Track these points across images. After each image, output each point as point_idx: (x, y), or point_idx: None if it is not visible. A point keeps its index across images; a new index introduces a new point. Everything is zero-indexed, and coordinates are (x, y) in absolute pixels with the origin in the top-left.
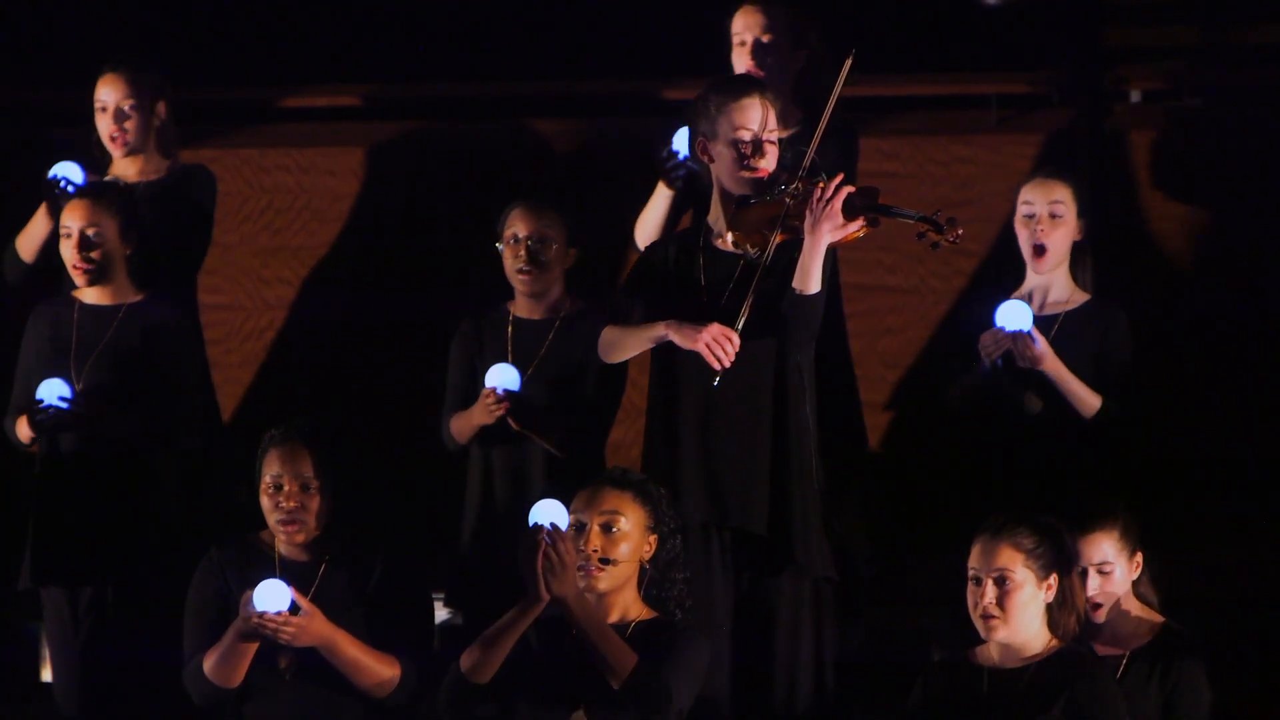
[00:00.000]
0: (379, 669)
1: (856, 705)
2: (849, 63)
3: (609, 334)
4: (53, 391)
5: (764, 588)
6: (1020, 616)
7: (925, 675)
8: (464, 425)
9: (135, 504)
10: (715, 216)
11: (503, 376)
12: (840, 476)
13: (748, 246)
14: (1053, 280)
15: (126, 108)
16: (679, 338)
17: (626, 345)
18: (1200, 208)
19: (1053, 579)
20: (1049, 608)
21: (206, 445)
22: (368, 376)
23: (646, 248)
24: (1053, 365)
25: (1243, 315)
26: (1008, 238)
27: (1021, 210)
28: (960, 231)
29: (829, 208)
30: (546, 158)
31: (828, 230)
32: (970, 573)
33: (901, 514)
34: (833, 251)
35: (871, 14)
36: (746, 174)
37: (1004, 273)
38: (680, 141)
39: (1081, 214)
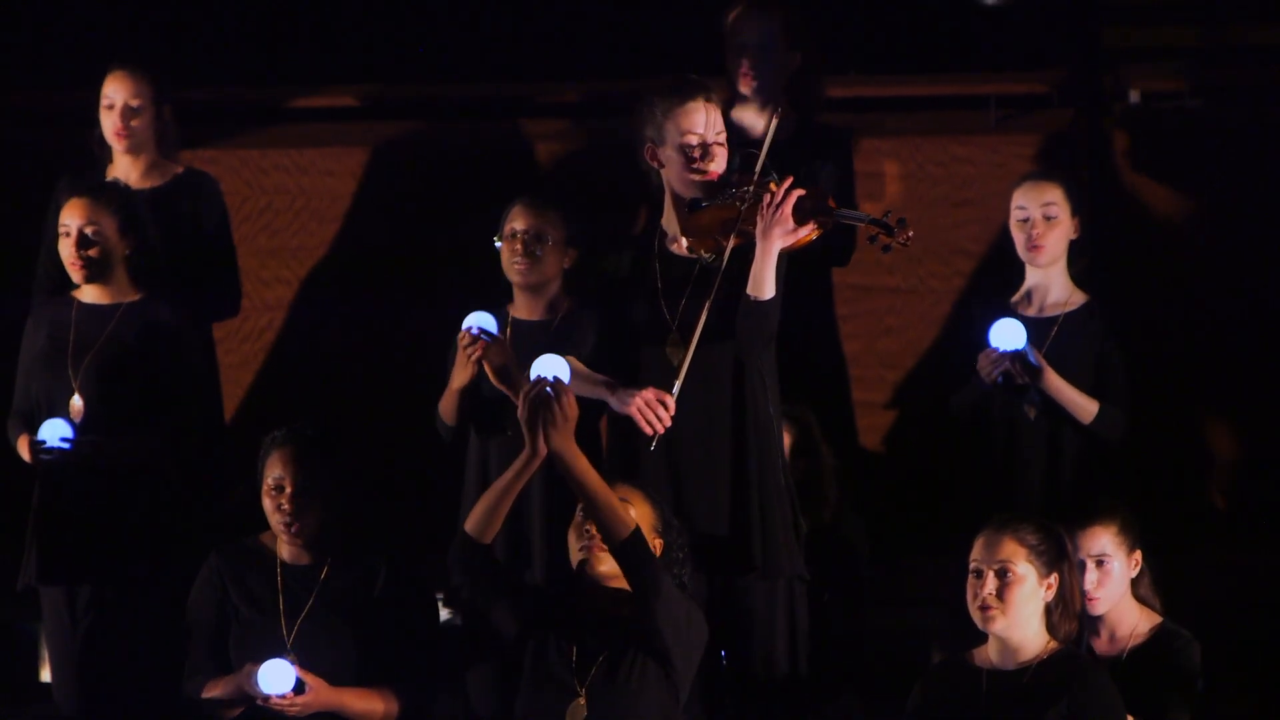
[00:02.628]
0: (384, 710)
1: (856, 707)
2: (776, 119)
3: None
4: (55, 433)
5: (736, 590)
6: (1019, 611)
7: (924, 677)
8: (448, 398)
9: (136, 504)
10: (669, 220)
11: (479, 319)
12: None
13: (701, 251)
14: (1051, 281)
15: (134, 106)
16: (614, 401)
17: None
18: (1200, 208)
19: (1053, 578)
20: (1048, 608)
21: (209, 446)
22: (367, 378)
23: (601, 258)
24: (1050, 379)
25: (1243, 315)
26: (1007, 238)
27: (1015, 215)
28: (911, 233)
29: (779, 212)
30: (547, 158)
31: (779, 235)
32: (971, 565)
33: (901, 514)
34: (787, 256)
35: (870, 14)
36: (695, 177)
37: (1005, 273)
38: None
39: (1076, 212)
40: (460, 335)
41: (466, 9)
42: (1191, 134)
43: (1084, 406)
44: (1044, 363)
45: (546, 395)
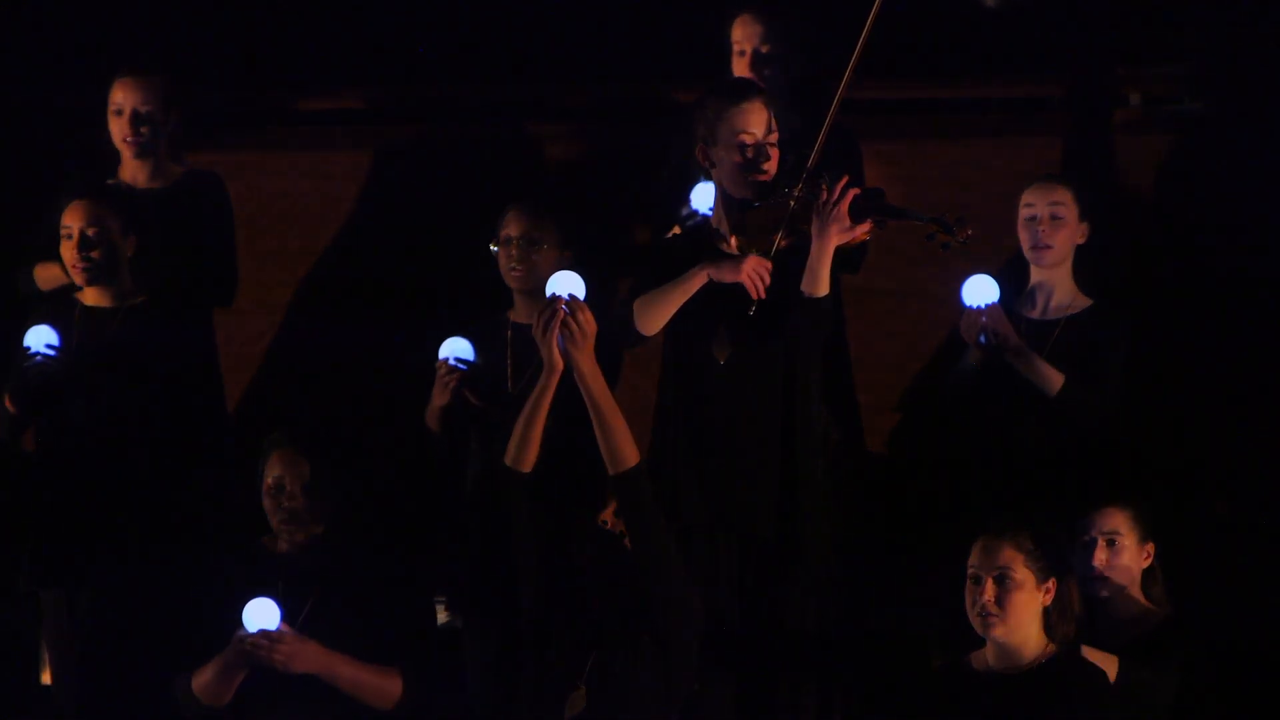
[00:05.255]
0: (381, 685)
1: (855, 709)
2: (877, 5)
3: (644, 300)
4: (40, 339)
5: (770, 591)
6: (1018, 616)
7: (923, 681)
8: (431, 411)
9: (135, 505)
10: (719, 220)
11: (454, 347)
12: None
13: (753, 251)
14: (1055, 284)
15: (143, 112)
16: (719, 273)
17: (665, 303)
18: (1200, 211)
19: (1051, 583)
20: (1046, 612)
21: (213, 447)
22: (367, 378)
23: (657, 241)
24: (1016, 344)
25: (1243, 316)
26: (1008, 241)
27: (1023, 213)
28: (970, 231)
29: (836, 210)
30: (546, 161)
31: (835, 232)
32: (970, 571)
33: (901, 516)
34: (840, 252)
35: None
36: (753, 177)
37: (1006, 276)
38: (698, 199)
39: (1083, 216)
40: (438, 365)
41: (467, 11)
42: (1192, 137)
43: (1050, 378)
44: (1009, 329)
45: (562, 310)
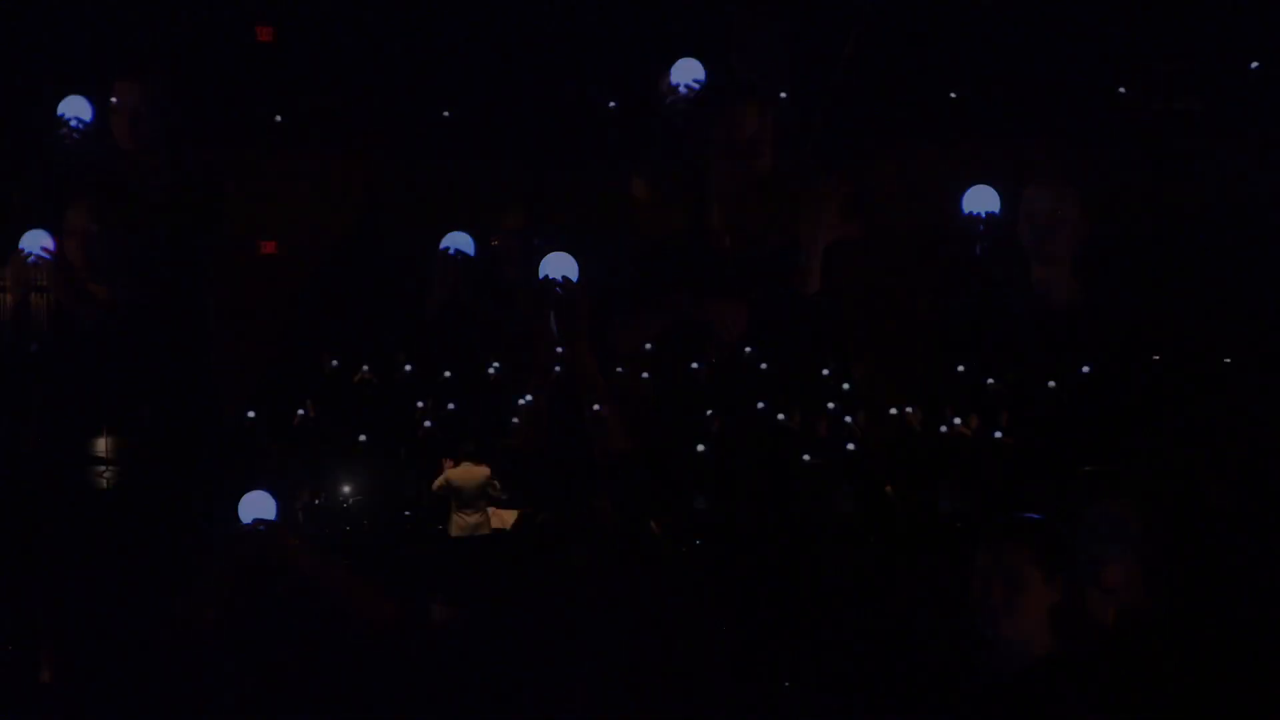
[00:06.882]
0: (375, 599)
1: (860, 709)
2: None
3: (617, 324)
4: (36, 242)
5: (770, 590)
6: (1027, 615)
7: (929, 679)
8: (429, 310)
9: (133, 501)
10: (713, 216)
11: (456, 239)
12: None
13: (747, 247)
14: (1056, 280)
15: (143, 110)
16: (695, 312)
17: (635, 333)
18: (1198, 209)
19: (1058, 581)
20: (1052, 609)
21: (206, 443)
22: (365, 376)
23: (646, 244)
24: (1008, 255)
25: (1243, 315)
26: (1008, 240)
27: (1025, 211)
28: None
29: (830, 206)
30: (545, 158)
31: (828, 229)
32: (978, 571)
33: (903, 513)
34: (828, 251)
35: (868, 15)
36: (744, 176)
37: (1006, 273)
38: (679, 74)
39: (1085, 215)
40: (439, 255)
41: (467, 11)
42: (1191, 136)
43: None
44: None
45: (555, 291)
